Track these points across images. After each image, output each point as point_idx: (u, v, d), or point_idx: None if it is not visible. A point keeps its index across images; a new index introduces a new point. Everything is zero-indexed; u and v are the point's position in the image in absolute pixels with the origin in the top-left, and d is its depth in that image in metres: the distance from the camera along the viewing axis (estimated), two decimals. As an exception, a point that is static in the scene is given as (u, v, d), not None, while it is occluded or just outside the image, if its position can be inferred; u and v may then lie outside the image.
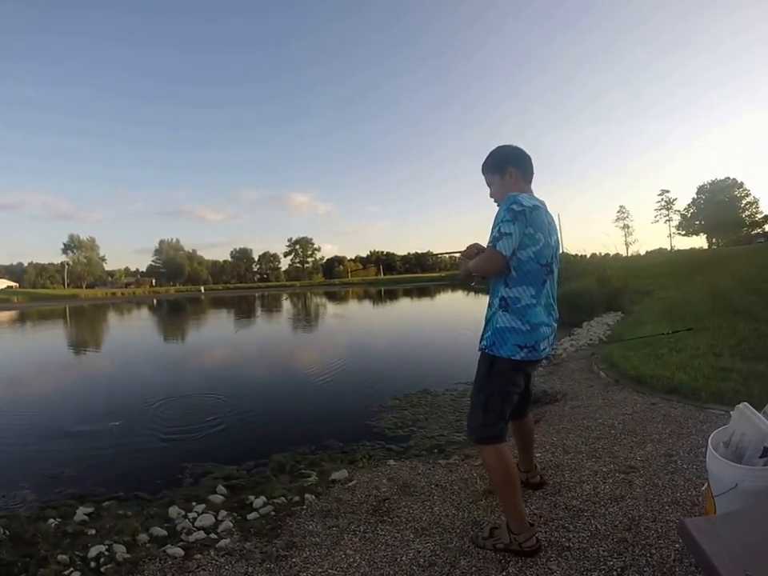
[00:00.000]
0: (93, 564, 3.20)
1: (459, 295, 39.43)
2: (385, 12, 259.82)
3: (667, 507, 2.97)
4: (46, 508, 4.35)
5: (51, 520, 4.00)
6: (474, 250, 2.90)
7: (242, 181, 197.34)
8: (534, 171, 2.89)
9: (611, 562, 2.47)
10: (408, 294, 47.10)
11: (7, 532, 3.83)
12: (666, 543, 2.58)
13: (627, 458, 3.81)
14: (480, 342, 2.76)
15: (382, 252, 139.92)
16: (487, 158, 2.90)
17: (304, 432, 6.07)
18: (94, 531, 3.74)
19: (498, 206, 2.77)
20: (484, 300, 2.87)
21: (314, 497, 3.80)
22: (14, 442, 6.39)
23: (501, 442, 2.65)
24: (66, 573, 3.10)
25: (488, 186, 2.95)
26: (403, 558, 2.71)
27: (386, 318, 25.96)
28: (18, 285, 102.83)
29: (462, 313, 24.55)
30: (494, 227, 2.60)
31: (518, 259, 2.59)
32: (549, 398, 6.07)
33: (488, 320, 2.74)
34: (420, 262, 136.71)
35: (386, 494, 3.64)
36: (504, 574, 2.47)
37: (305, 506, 3.64)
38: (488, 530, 2.78)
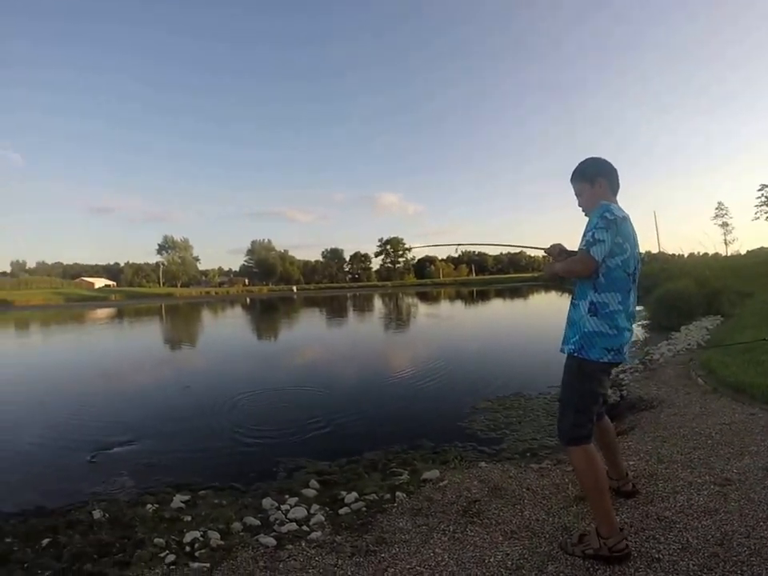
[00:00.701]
0: (188, 548, 3.41)
1: (552, 296, 38.56)
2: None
3: (762, 523, 2.87)
4: (144, 494, 4.67)
5: (149, 506, 4.27)
6: (556, 249, 3.04)
7: (331, 181, 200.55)
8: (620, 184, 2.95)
9: (700, 577, 2.42)
10: (500, 294, 46.53)
11: (107, 515, 4.13)
12: (758, 561, 2.50)
13: (723, 469, 3.69)
14: (565, 345, 2.85)
15: (474, 252, 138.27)
16: (578, 167, 2.97)
17: (396, 431, 6.20)
18: (189, 518, 3.97)
19: (585, 215, 2.90)
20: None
21: (405, 495, 3.89)
22: (114, 433, 6.83)
23: (588, 442, 2.71)
24: (162, 555, 3.31)
25: (576, 195, 3.02)
26: (491, 560, 2.74)
27: (478, 319, 25.77)
28: (115, 284, 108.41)
29: (555, 314, 24.08)
30: (586, 233, 2.71)
31: (606, 266, 2.68)
32: (644, 404, 5.91)
33: (574, 323, 2.82)
34: (513, 262, 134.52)
35: (477, 496, 3.68)
36: (591, 582, 2.46)
37: (396, 504, 3.74)
38: (577, 536, 2.80)
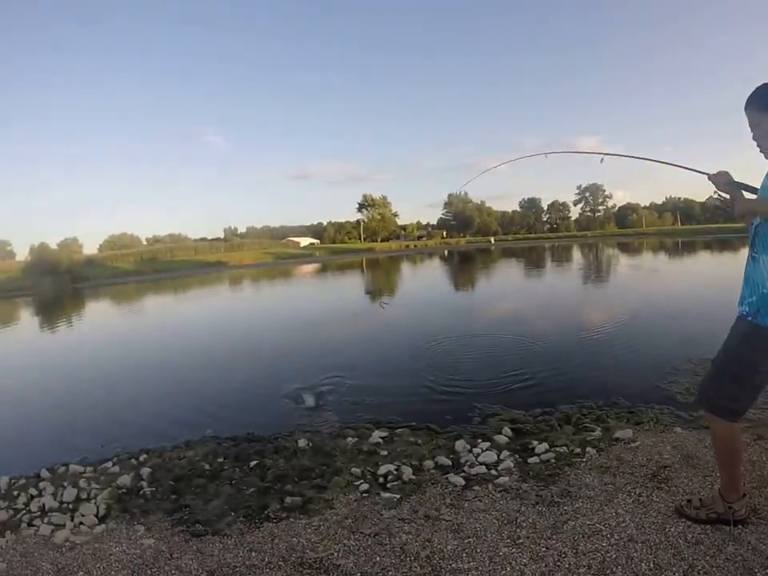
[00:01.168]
0: (381, 480, 3.86)
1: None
2: None
3: None
4: (345, 428, 5.24)
5: (349, 439, 4.83)
6: (723, 178, 2.56)
7: (523, 129, 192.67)
8: None
9: None
10: (708, 247, 41.37)
11: (310, 444, 4.75)
12: None
13: None
14: (740, 306, 2.54)
15: (679, 198, 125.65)
16: (754, 94, 2.45)
17: (592, 386, 6.17)
18: (385, 452, 4.42)
19: (760, 150, 2.48)
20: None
21: (595, 451, 3.94)
22: (320, 374, 7.62)
23: (736, 421, 2.56)
24: (356, 483, 3.79)
25: (751, 126, 2.49)
26: (672, 530, 2.70)
27: (683, 274, 23.28)
28: (319, 241, 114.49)
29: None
30: None
31: None
32: None
33: (752, 281, 2.48)
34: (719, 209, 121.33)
35: (668, 462, 3.60)
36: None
37: (585, 459, 3.81)
38: (697, 499, 2.79)
